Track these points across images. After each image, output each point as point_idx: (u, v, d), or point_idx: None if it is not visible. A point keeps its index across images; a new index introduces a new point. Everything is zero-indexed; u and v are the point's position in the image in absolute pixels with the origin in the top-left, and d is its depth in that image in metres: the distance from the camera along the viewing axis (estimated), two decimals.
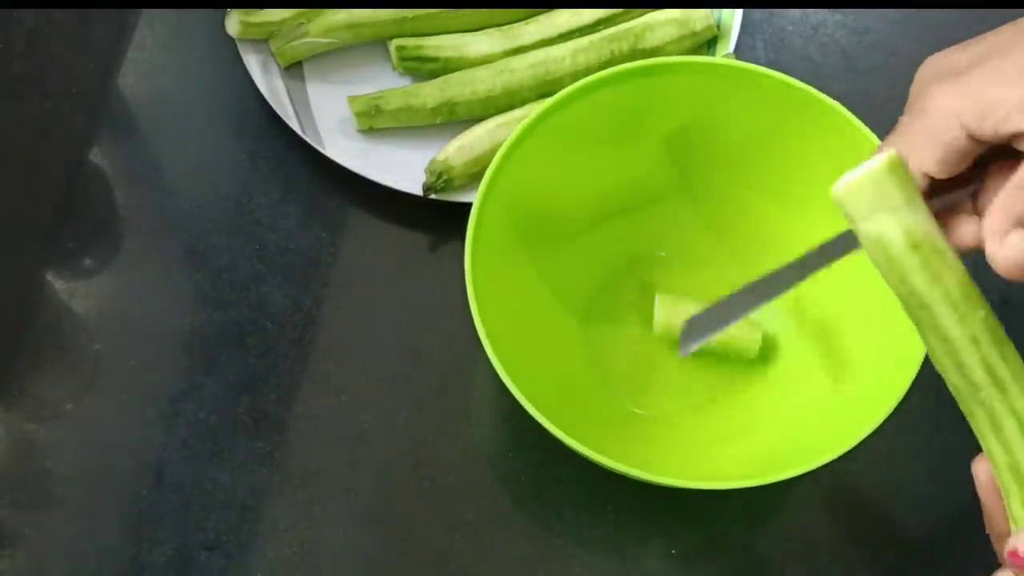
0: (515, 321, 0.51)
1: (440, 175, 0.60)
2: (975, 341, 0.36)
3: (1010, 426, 0.37)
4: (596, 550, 0.54)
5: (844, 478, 0.56)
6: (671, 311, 0.56)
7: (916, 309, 0.37)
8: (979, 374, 0.37)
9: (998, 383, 0.37)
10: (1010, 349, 0.37)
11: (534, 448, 0.56)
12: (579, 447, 0.46)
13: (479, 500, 0.55)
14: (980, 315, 0.36)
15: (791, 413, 0.54)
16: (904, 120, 0.41)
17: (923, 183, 0.39)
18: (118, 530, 0.54)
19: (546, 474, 0.56)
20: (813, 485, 0.55)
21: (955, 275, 0.36)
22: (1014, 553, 0.36)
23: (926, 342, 0.38)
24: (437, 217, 0.61)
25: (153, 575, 0.53)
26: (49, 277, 0.60)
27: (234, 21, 0.63)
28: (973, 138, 0.38)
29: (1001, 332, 0.37)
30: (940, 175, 0.39)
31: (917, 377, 0.47)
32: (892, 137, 0.41)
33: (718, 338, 0.51)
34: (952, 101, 0.38)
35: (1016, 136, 0.37)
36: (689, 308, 0.55)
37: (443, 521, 0.55)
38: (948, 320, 0.36)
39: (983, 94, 0.38)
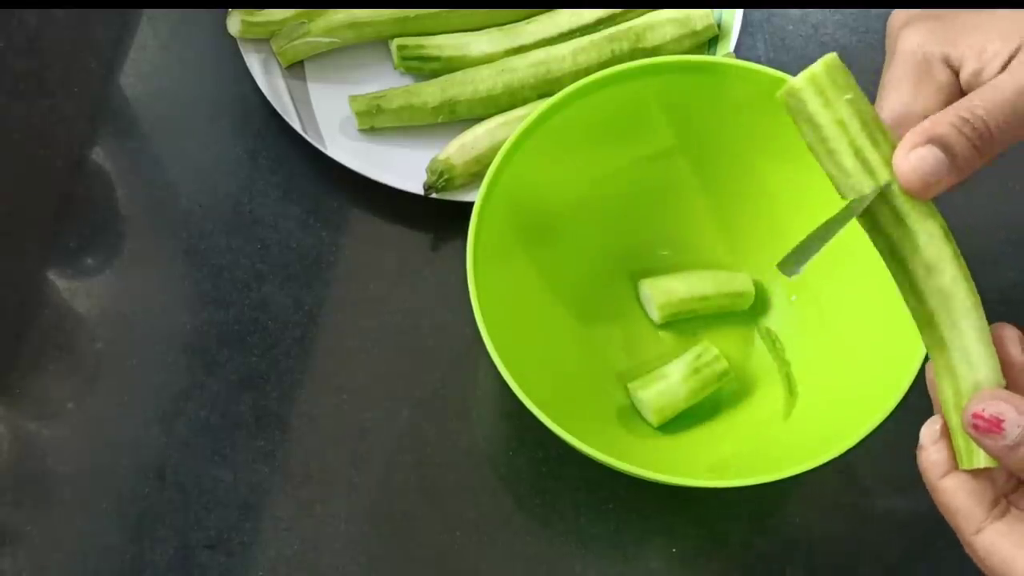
0: (516, 319, 0.51)
1: (441, 174, 0.60)
2: (841, 124, 0.36)
3: (884, 213, 0.37)
4: (597, 548, 0.54)
5: (844, 476, 0.56)
6: (661, 292, 0.57)
7: (787, 97, 0.37)
8: (849, 160, 0.37)
9: (869, 169, 0.36)
10: (881, 133, 0.37)
11: (535, 446, 0.56)
12: (580, 445, 0.46)
13: (480, 498, 0.55)
14: (847, 97, 0.36)
15: (792, 410, 0.54)
16: (892, 74, 0.41)
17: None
18: (119, 529, 0.54)
19: (547, 472, 0.56)
20: (814, 483, 0.55)
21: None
22: (979, 415, 0.34)
23: (803, 135, 0.38)
24: (438, 216, 0.61)
25: (154, 573, 0.53)
26: (50, 276, 0.61)
27: (235, 21, 0.63)
28: (956, 72, 0.39)
29: (871, 118, 0.37)
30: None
31: (918, 375, 0.47)
32: (884, 92, 0.41)
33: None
34: (934, 40, 0.39)
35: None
36: (672, 282, 0.57)
37: (444, 519, 0.55)
38: (815, 105, 0.37)
39: (963, 33, 0.39)
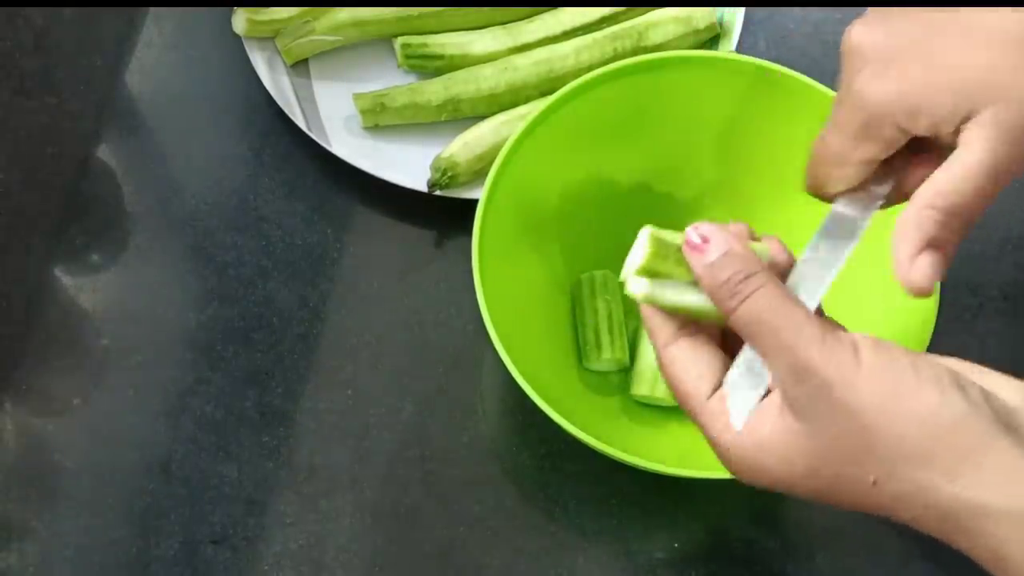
0: (520, 314, 0.52)
1: (444, 172, 0.60)
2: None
3: None
4: (600, 543, 0.55)
5: None
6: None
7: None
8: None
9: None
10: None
11: (539, 441, 0.56)
12: (584, 437, 0.46)
13: (484, 493, 0.56)
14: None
15: None
16: (840, 112, 0.42)
17: (868, 169, 0.43)
18: (125, 524, 0.54)
19: (550, 467, 0.56)
20: None
21: None
22: (695, 228, 0.38)
23: None
24: (441, 213, 0.61)
25: (160, 568, 0.53)
26: (57, 273, 0.61)
27: (241, 19, 0.63)
28: (906, 132, 0.41)
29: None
30: (879, 160, 0.42)
31: None
32: (830, 129, 0.43)
33: None
34: (887, 96, 0.40)
35: (942, 135, 0.40)
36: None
37: (448, 514, 0.55)
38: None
39: (915, 92, 0.40)
